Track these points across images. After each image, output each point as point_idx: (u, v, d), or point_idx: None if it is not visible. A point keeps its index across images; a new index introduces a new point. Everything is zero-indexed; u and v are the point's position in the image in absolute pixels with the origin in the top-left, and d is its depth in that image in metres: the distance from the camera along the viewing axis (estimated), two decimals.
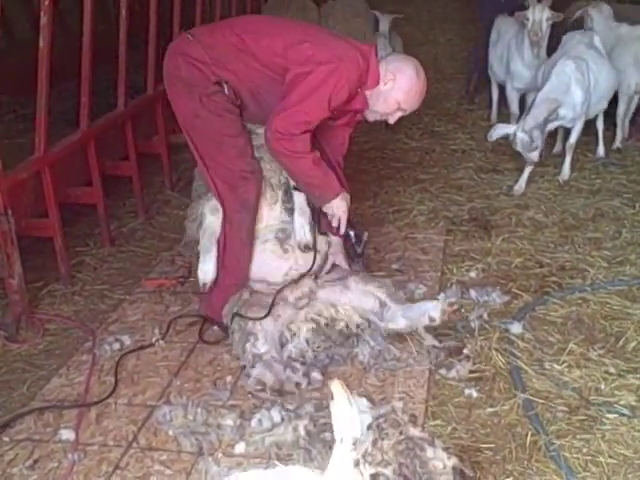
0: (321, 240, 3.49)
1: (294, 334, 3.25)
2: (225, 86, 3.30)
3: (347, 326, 3.30)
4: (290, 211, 3.47)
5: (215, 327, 3.55)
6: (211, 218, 3.43)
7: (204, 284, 3.45)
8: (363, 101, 3.37)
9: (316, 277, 3.46)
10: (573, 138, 5.25)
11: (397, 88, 3.31)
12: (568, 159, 5.29)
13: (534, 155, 4.91)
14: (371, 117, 3.50)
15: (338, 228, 3.46)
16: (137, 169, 4.95)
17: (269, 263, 3.43)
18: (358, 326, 3.32)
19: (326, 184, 3.35)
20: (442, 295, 3.52)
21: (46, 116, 3.81)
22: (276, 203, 3.47)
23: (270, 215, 3.47)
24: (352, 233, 3.54)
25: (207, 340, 3.50)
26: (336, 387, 1.74)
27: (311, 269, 3.43)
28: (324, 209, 3.41)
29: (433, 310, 3.27)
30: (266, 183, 3.42)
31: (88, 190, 4.48)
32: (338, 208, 3.39)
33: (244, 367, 3.20)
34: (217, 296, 3.50)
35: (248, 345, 3.19)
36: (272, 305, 3.28)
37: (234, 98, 3.33)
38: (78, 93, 4.31)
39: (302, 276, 3.40)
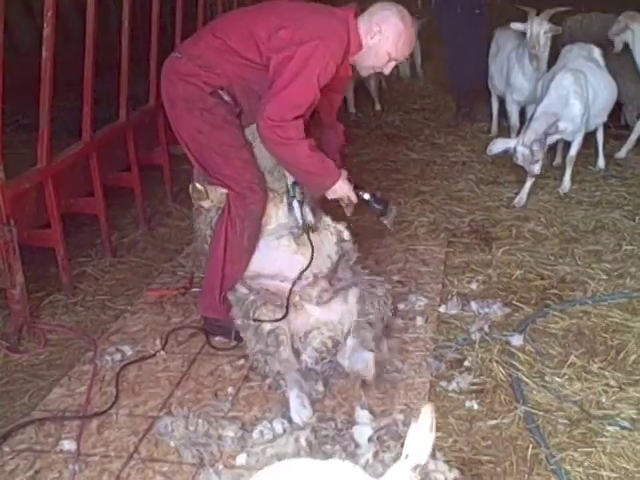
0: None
1: (308, 343, 3.25)
2: (222, 93, 3.31)
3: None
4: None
5: (218, 337, 3.58)
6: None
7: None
8: (348, 68, 3.33)
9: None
10: (573, 150, 5.27)
11: (385, 39, 3.24)
12: (568, 171, 5.31)
13: (536, 168, 4.92)
14: (364, 72, 3.47)
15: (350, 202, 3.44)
16: (138, 180, 4.96)
17: (284, 258, 3.41)
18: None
19: (324, 170, 3.28)
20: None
21: (49, 127, 3.83)
22: (282, 202, 3.49)
23: (279, 214, 3.49)
24: (367, 196, 3.47)
25: (215, 346, 3.52)
26: (427, 411, 1.76)
27: (310, 264, 3.36)
28: (327, 196, 3.37)
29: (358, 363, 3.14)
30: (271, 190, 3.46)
31: (90, 201, 4.49)
32: (341, 189, 3.34)
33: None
34: (216, 297, 3.51)
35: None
36: (288, 304, 3.26)
37: (233, 105, 3.34)
38: (80, 104, 4.34)
39: (302, 272, 3.34)
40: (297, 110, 3.13)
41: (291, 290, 3.29)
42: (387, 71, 3.40)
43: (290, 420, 2.88)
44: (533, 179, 5.14)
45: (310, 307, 3.34)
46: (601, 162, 5.73)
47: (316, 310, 3.34)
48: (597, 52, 5.55)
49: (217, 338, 3.60)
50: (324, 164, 3.27)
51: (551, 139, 5.04)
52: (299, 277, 3.32)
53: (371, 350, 3.17)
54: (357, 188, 3.41)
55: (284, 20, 3.25)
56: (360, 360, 3.12)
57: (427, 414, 1.75)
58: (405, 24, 3.26)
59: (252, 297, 3.31)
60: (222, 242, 3.41)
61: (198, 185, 3.41)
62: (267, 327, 3.21)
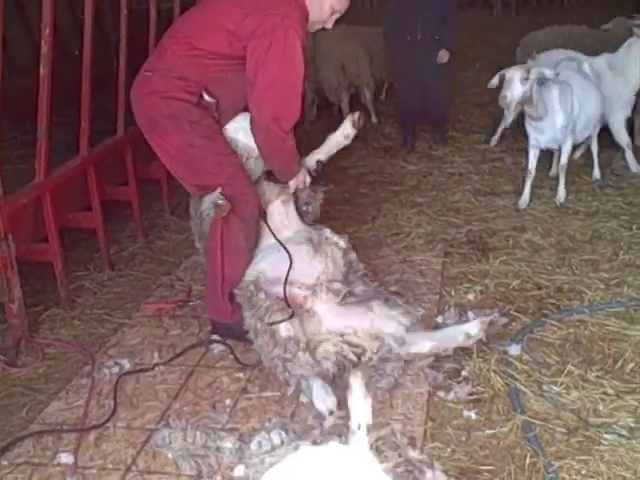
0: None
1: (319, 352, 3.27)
2: (205, 96, 3.33)
3: (363, 353, 3.31)
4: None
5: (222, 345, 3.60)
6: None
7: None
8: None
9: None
10: (563, 160, 5.29)
11: None
12: (562, 181, 5.32)
13: (510, 98, 4.86)
14: (312, 29, 3.54)
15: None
16: (136, 194, 4.98)
17: (304, 261, 3.44)
18: (375, 352, 3.31)
19: (296, 158, 3.52)
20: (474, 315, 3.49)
21: (47, 142, 3.85)
22: (290, 200, 3.68)
23: (289, 212, 3.68)
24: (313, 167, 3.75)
25: (242, 362, 3.49)
26: (355, 380, 1.86)
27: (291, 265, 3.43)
28: (293, 180, 3.60)
29: (471, 327, 3.31)
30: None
31: (88, 215, 4.51)
32: (302, 173, 3.60)
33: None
34: (219, 300, 3.54)
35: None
36: (287, 303, 3.31)
37: (215, 106, 3.36)
38: (78, 119, 4.36)
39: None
40: (298, 95, 3.31)
41: (285, 284, 3.33)
42: (330, 25, 3.53)
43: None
44: (531, 179, 5.23)
45: (322, 312, 3.37)
46: (597, 173, 5.75)
47: (327, 317, 3.36)
48: (586, 65, 5.58)
49: (214, 346, 3.61)
50: (295, 156, 3.51)
51: (534, 148, 5.21)
52: (288, 272, 3.37)
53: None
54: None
55: (245, 7, 3.28)
56: (470, 326, 3.34)
57: (357, 382, 1.86)
58: None
59: (268, 302, 3.33)
60: (218, 244, 3.43)
61: (220, 201, 3.36)
62: (284, 333, 3.23)
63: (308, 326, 3.30)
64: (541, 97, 4.95)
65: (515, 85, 4.85)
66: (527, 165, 5.32)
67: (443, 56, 6.43)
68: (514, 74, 4.87)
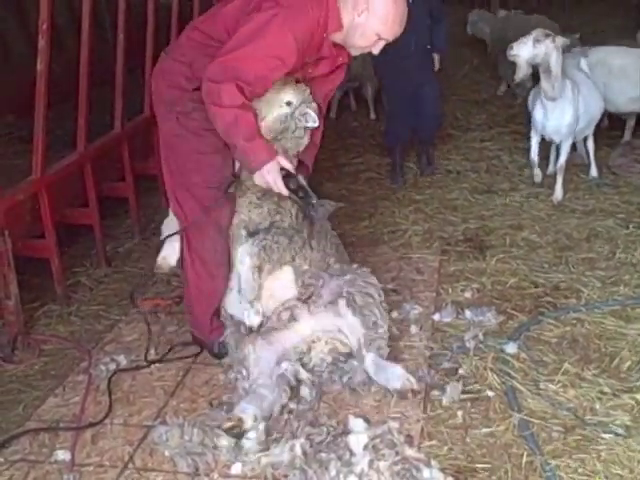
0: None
1: (308, 353, 3.25)
2: None
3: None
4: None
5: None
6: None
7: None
8: (331, 47, 3.12)
9: (309, 297, 3.33)
10: (562, 159, 5.30)
11: (372, 18, 2.99)
12: (559, 180, 5.33)
13: (515, 51, 4.90)
14: (354, 52, 3.21)
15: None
16: (133, 190, 4.97)
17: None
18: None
19: (250, 149, 3.00)
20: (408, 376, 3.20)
21: (44, 138, 3.84)
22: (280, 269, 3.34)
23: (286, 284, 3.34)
24: (292, 185, 3.14)
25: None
26: None
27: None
28: (254, 180, 3.12)
29: (395, 384, 3.17)
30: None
31: (85, 211, 4.50)
32: (267, 177, 3.05)
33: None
34: (197, 317, 3.52)
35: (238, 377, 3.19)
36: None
37: None
38: (75, 115, 4.35)
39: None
40: (238, 75, 2.92)
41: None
42: (376, 51, 3.16)
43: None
44: (536, 165, 5.34)
45: (303, 319, 3.31)
46: (594, 171, 5.75)
47: (311, 321, 3.31)
48: (584, 62, 5.57)
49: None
50: (251, 144, 3.00)
51: (534, 141, 5.28)
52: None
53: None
54: (289, 177, 3.13)
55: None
56: (394, 377, 3.15)
57: None
58: (394, 1, 3.02)
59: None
60: (189, 264, 3.38)
61: None
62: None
63: (289, 334, 3.27)
64: (560, 78, 4.91)
65: (523, 44, 4.85)
66: (529, 155, 5.38)
67: (436, 61, 5.87)
68: (532, 33, 4.86)
